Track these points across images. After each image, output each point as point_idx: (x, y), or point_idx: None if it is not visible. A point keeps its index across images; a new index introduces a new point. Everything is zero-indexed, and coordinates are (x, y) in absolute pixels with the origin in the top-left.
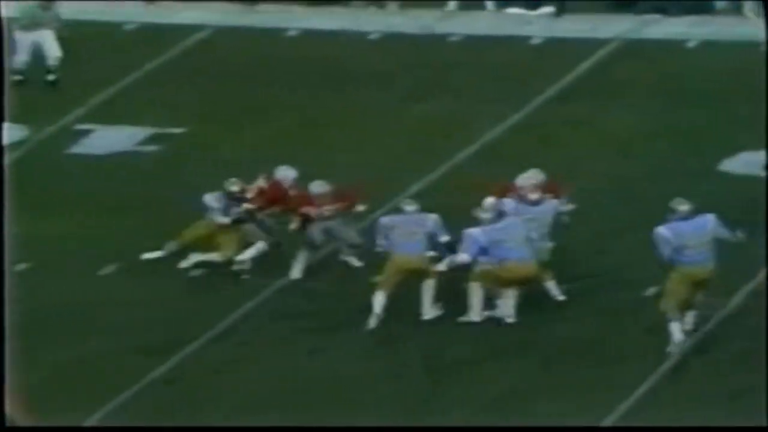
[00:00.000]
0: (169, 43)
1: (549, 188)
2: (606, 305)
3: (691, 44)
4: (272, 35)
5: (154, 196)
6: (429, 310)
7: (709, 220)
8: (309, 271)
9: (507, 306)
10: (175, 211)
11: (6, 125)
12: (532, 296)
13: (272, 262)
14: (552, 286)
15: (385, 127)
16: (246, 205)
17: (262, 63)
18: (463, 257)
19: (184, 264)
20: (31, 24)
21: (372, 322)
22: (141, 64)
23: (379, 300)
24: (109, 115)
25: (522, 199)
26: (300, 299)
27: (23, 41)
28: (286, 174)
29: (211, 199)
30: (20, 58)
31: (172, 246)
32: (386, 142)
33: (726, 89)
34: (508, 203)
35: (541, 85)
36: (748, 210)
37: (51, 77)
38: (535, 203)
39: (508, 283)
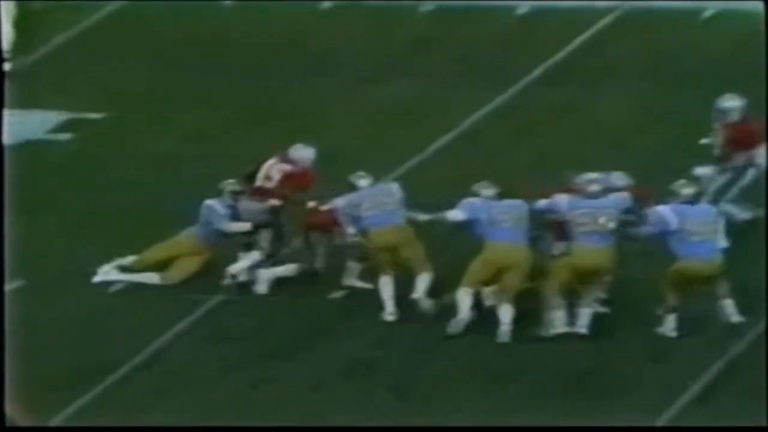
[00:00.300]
0: (83, 13)
1: (636, 191)
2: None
3: (707, 13)
4: (206, 6)
5: (67, 193)
6: (424, 302)
7: (713, 207)
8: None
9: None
10: (91, 212)
11: None
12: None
13: (212, 273)
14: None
15: (341, 115)
16: (273, 201)
17: (195, 39)
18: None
19: (99, 278)
20: None
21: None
22: (49, 36)
23: (464, 300)
24: (14, 97)
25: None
26: (245, 317)
27: None
28: (303, 154)
29: (217, 205)
30: None
31: (131, 262)
32: (343, 133)
33: (737, 69)
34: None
35: (527, 63)
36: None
37: None
38: (594, 196)
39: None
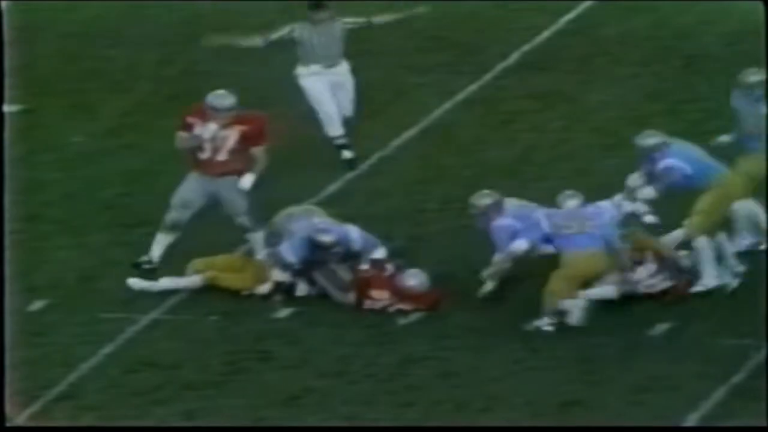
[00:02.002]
0: None
1: None
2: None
3: None
4: None
5: None
6: None
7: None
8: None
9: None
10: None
11: None
12: None
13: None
14: None
15: (288, 104)
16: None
17: (115, 19)
18: None
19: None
20: None
21: None
22: None
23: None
24: None
25: None
26: (175, 342)
27: None
28: (228, 102)
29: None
30: None
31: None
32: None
33: (745, 55)
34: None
35: (504, 46)
36: None
37: None
38: None
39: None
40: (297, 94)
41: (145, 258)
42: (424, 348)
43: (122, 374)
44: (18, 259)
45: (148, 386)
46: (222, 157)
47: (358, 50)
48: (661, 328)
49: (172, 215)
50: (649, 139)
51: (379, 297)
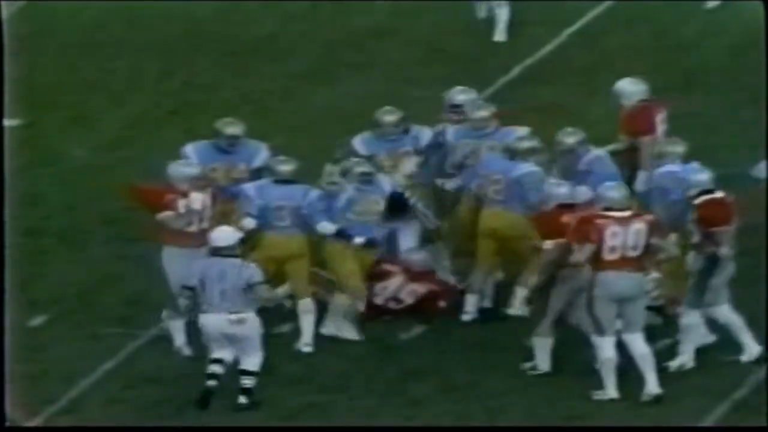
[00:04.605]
0: None
1: None
2: None
3: (710, 4)
4: None
5: None
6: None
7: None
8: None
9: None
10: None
11: None
12: None
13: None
14: None
15: (283, 115)
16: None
17: (107, 30)
18: None
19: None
20: None
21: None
22: None
23: None
24: None
25: None
26: (176, 358)
27: None
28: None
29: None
30: None
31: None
32: (284, 136)
33: (740, 65)
34: None
35: (505, 61)
36: None
37: None
38: None
39: None
40: (293, 104)
41: (180, 347)
42: (426, 362)
43: (122, 390)
44: (18, 273)
45: (148, 402)
46: (206, 225)
47: (357, 62)
48: (663, 342)
49: (184, 301)
50: (570, 137)
51: (391, 271)
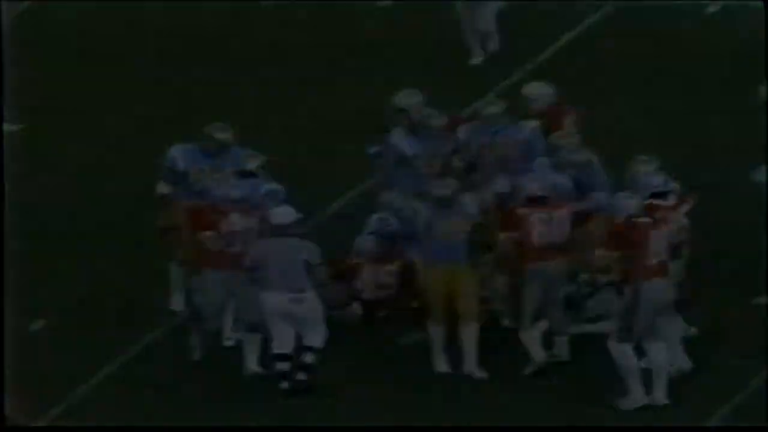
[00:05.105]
0: None
1: None
2: None
3: (712, 9)
4: None
5: None
6: None
7: None
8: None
9: None
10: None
11: None
12: None
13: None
14: None
15: (280, 124)
16: None
17: (115, 33)
18: None
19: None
20: None
21: None
22: None
23: None
24: None
25: None
26: (176, 362)
27: None
28: None
29: None
30: None
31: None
32: (281, 146)
33: (739, 70)
34: None
35: (504, 66)
36: None
37: None
38: None
39: None
40: (293, 110)
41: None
42: (425, 365)
43: (122, 394)
44: (18, 279)
45: (148, 406)
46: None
47: (354, 68)
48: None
49: (212, 322)
50: (493, 107)
51: (357, 263)
